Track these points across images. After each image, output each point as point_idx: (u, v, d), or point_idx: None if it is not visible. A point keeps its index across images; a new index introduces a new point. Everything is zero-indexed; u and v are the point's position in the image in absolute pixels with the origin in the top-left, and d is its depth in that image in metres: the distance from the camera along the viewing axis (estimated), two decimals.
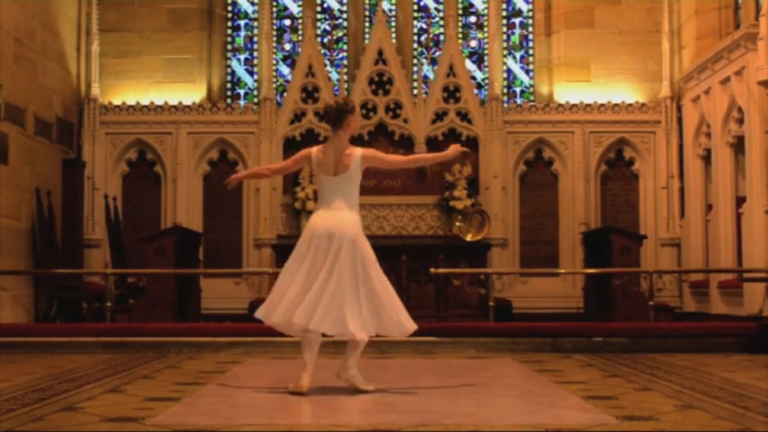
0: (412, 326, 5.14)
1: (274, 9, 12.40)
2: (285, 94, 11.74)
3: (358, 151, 5.27)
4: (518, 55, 12.52)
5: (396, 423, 3.92)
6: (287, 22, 12.64)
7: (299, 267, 5.09)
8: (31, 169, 10.18)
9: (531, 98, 12.25)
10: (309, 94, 11.55)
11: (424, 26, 12.63)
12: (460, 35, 12.46)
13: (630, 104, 11.62)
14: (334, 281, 4.98)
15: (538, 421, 4.02)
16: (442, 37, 12.33)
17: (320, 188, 5.32)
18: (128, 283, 10.20)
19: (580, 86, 11.88)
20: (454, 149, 5.53)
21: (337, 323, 4.97)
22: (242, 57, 12.56)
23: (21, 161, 9.92)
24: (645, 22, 11.88)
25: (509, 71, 12.49)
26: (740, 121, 9.57)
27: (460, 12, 12.59)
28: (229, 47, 12.54)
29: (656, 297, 9.12)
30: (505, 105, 11.74)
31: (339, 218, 5.13)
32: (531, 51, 12.46)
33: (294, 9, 12.64)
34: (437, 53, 12.28)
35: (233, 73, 12.55)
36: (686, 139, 11.13)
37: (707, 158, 10.58)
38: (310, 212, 11.09)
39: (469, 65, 12.24)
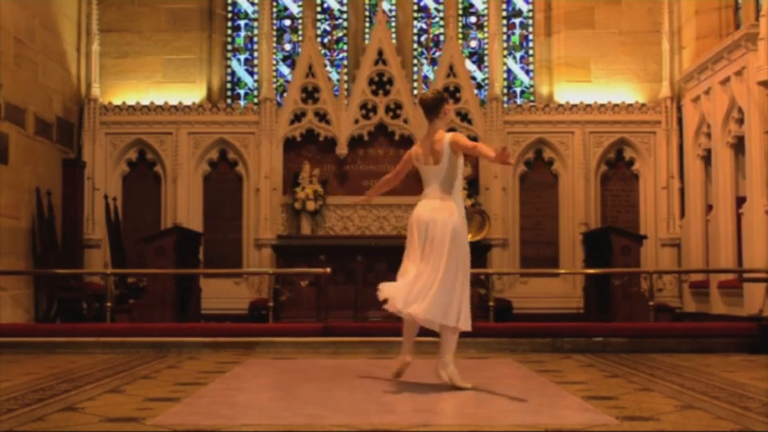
0: (459, 323, 5.18)
1: (274, 9, 12.40)
2: (285, 95, 11.74)
3: (447, 136, 5.39)
4: (518, 55, 12.52)
5: (396, 423, 3.92)
6: (287, 22, 12.64)
7: (408, 258, 5.30)
8: (31, 169, 10.18)
9: (532, 98, 12.25)
10: (309, 94, 11.55)
11: (424, 26, 12.63)
12: (460, 35, 12.46)
13: (630, 105, 11.63)
14: (429, 271, 5.15)
15: (538, 421, 4.02)
16: (442, 37, 12.33)
17: (422, 178, 5.47)
18: (128, 284, 10.20)
19: (580, 87, 11.88)
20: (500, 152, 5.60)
21: (426, 311, 5.08)
22: (242, 57, 12.56)
23: (21, 161, 9.92)
24: (645, 23, 11.88)
25: (509, 71, 12.49)
26: (740, 122, 9.57)
27: (460, 12, 12.59)
28: (229, 47, 12.54)
29: (657, 297, 9.12)
30: (505, 106, 11.73)
31: (435, 207, 5.29)
32: (531, 51, 12.46)
33: (294, 9, 12.64)
34: (437, 53, 12.28)
35: (233, 73, 12.56)
36: (686, 139, 11.13)
37: (707, 158, 10.58)
38: (310, 212, 11.24)
39: (469, 65, 12.24)
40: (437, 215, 5.24)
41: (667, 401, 4.60)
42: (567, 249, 11.43)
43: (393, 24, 12.38)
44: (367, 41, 12.09)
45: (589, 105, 11.59)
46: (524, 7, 12.54)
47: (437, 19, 12.60)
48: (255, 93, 12.31)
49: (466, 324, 5.20)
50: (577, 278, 11.17)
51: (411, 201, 11.14)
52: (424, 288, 5.11)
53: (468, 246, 5.39)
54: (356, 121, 11.47)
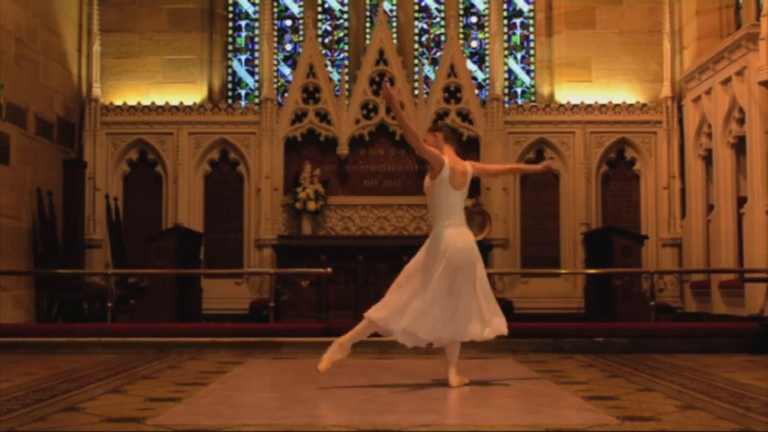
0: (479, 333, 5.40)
1: (275, 9, 12.40)
2: (286, 95, 11.74)
3: (468, 166, 5.46)
4: (519, 55, 12.51)
5: (396, 423, 3.92)
6: (288, 22, 12.64)
7: (439, 284, 5.23)
8: (31, 169, 10.19)
9: (532, 98, 12.24)
10: (310, 94, 11.55)
11: (425, 26, 12.63)
12: (461, 35, 12.45)
13: (631, 105, 11.62)
14: (470, 297, 5.34)
15: (538, 421, 4.02)
16: (442, 37, 12.33)
17: (443, 200, 5.35)
18: (129, 284, 10.20)
19: (581, 87, 11.87)
20: (545, 166, 5.92)
21: (475, 331, 5.35)
22: (243, 57, 12.56)
23: (22, 161, 9.93)
24: (646, 23, 11.88)
25: (510, 71, 12.49)
26: (741, 122, 9.57)
27: (461, 12, 12.59)
28: (230, 47, 12.54)
29: (658, 297, 9.12)
30: (506, 106, 11.73)
31: (468, 238, 5.36)
32: (531, 52, 12.45)
33: (295, 9, 12.64)
34: (438, 53, 12.28)
35: (234, 73, 12.56)
36: (687, 139, 11.12)
37: (708, 159, 10.57)
38: (311, 213, 11.23)
39: (470, 65, 12.24)
40: (474, 249, 5.38)
41: (668, 402, 4.60)
42: (567, 249, 11.43)
43: (394, 24, 12.38)
44: (368, 41, 12.09)
45: (590, 105, 11.59)
46: (525, 7, 12.53)
47: (438, 19, 12.60)
48: (256, 93, 12.31)
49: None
50: (578, 278, 11.16)
51: (411, 201, 11.35)
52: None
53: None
54: (357, 122, 11.47)
